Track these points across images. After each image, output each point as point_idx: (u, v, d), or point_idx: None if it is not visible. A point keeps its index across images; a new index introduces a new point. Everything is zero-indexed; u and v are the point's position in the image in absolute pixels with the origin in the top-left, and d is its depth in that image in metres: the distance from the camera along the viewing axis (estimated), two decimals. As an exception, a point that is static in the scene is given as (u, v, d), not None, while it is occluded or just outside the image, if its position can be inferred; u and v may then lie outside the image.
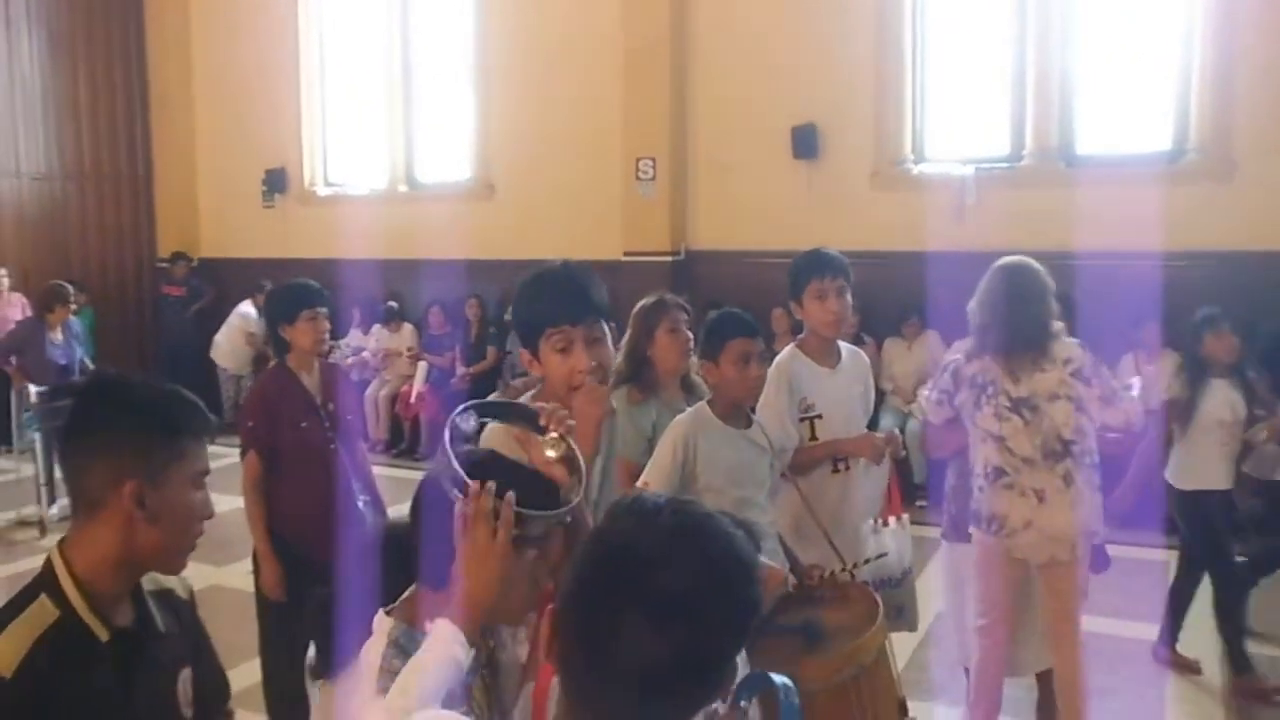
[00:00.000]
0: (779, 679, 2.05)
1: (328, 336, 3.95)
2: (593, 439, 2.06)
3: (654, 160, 8.46)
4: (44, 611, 1.56)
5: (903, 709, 2.81)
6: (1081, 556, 3.61)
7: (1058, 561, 3.59)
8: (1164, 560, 6.06)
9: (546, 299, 2.24)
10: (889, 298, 7.58)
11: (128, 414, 1.63)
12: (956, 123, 7.99)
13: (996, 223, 7.18)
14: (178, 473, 1.63)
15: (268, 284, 9.77)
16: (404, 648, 1.76)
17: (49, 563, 1.61)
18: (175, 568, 1.72)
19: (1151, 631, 5.11)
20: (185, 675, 1.75)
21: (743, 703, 2.04)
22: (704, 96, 8.49)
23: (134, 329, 11.24)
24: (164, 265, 11.08)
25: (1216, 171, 6.96)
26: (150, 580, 1.74)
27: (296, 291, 3.95)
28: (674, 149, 8.51)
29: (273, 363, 4.10)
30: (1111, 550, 6.14)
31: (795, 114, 8.03)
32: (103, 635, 1.59)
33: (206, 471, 1.69)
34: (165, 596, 1.78)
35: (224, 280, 10.74)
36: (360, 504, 3.98)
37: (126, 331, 11.07)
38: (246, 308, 9.92)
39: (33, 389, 7.21)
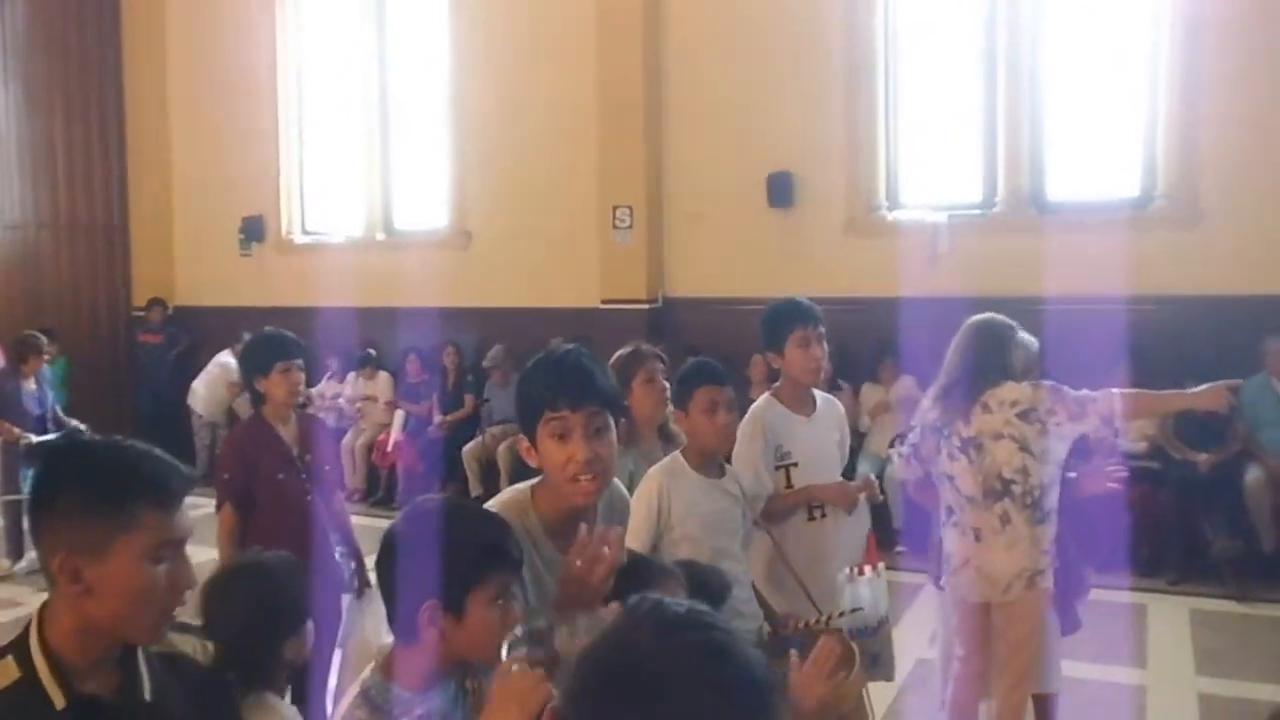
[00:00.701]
0: None
1: (303, 388, 3.94)
2: None
3: (631, 209, 8.52)
4: (4, 672, 1.52)
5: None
6: (1019, 599, 3.65)
7: (997, 601, 3.68)
8: (1143, 604, 6.10)
9: (546, 381, 2.10)
10: (864, 343, 7.63)
11: (73, 483, 1.53)
12: (929, 170, 8.09)
13: (969, 268, 7.26)
14: (126, 545, 1.51)
15: (247, 336, 9.76)
16: (374, 700, 1.76)
17: (27, 625, 1.57)
18: (145, 640, 1.61)
19: (1125, 675, 5.12)
20: None
21: None
22: (680, 145, 8.58)
23: (109, 377, 11.14)
24: (140, 314, 11.03)
25: (1183, 218, 7.07)
26: (163, 643, 1.68)
27: (271, 343, 3.95)
28: (650, 197, 8.57)
29: (249, 414, 4.09)
30: (1091, 595, 6.19)
31: (770, 162, 8.12)
32: (58, 702, 1.51)
33: (173, 541, 1.56)
34: (172, 660, 1.70)
35: (200, 328, 10.70)
36: (337, 555, 3.96)
37: (101, 379, 10.97)
38: (226, 357, 9.86)
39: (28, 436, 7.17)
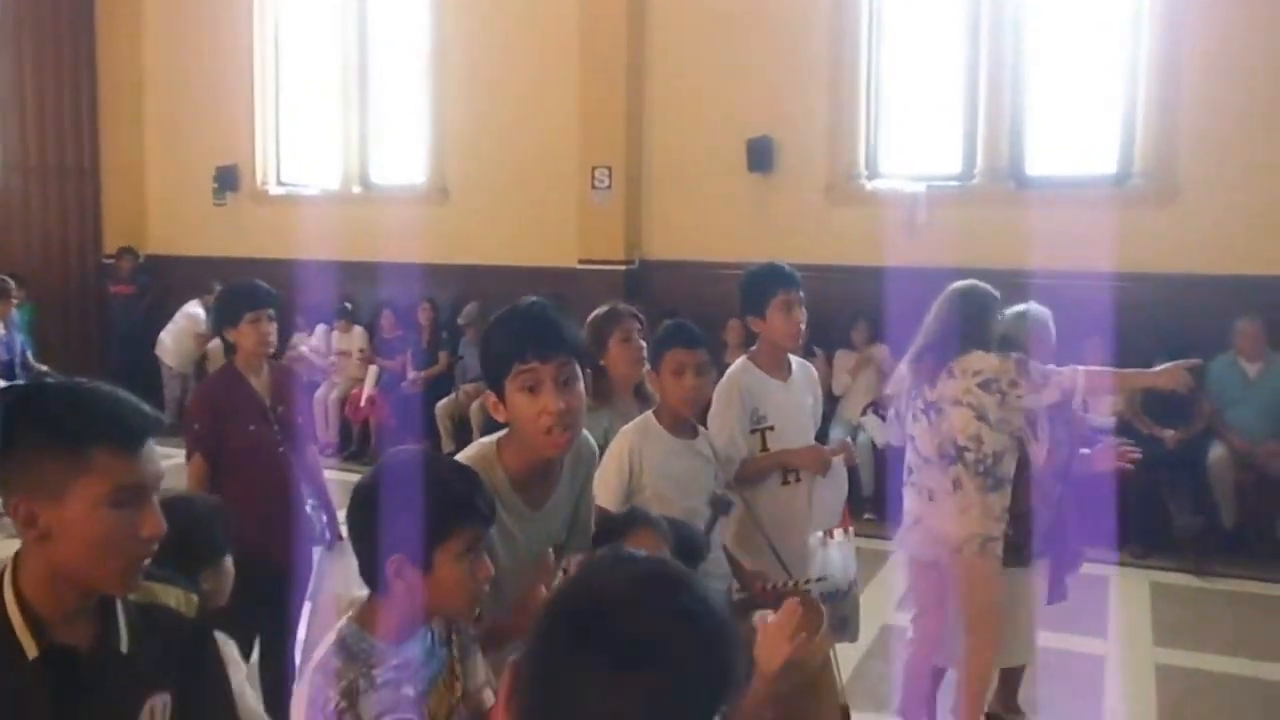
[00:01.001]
0: None
1: (273, 339, 3.90)
2: None
3: (610, 169, 8.47)
4: None
5: (846, 716, 2.83)
6: (971, 564, 3.73)
7: (948, 562, 3.79)
8: (1105, 576, 6.19)
9: (514, 334, 2.08)
10: (840, 311, 7.65)
11: (28, 425, 1.47)
12: (910, 141, 8.09)
13: (948, 240, 7.26)
14: (82, 488, 1.45)
15: (218, 285, 9.67)
16: (350, 649, 1.77)
17: (0, 573, 1.52)
18: (115, 589, 1.54)
19: (1087, 644, 5.20)
20: (156, 703, 1.59)
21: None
22: (660, 107, 8.52)
23: (78, 326, 11.02)
24: (110, 261, 10.89)
25: (1160, 195, 7.11)
26: (143, 592, 1.64)
27: (241, 293, 3.90)
28: (630, 159, 8.52)
29: (221, 365, 4.06)
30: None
31: (751, 127, 8.09)
32: (30, 652, 1.47)
33: (134, 485, 1.49)
34: (153, 612, 1.66)
35: (172, 278, 10.58)
36: (309, 508, 3.94)
37: (70, 328, 10.85)
38: (194, 308, 9.78)
39: None
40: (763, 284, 3.53)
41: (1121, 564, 6.34)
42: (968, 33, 7.77)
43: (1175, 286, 6.94)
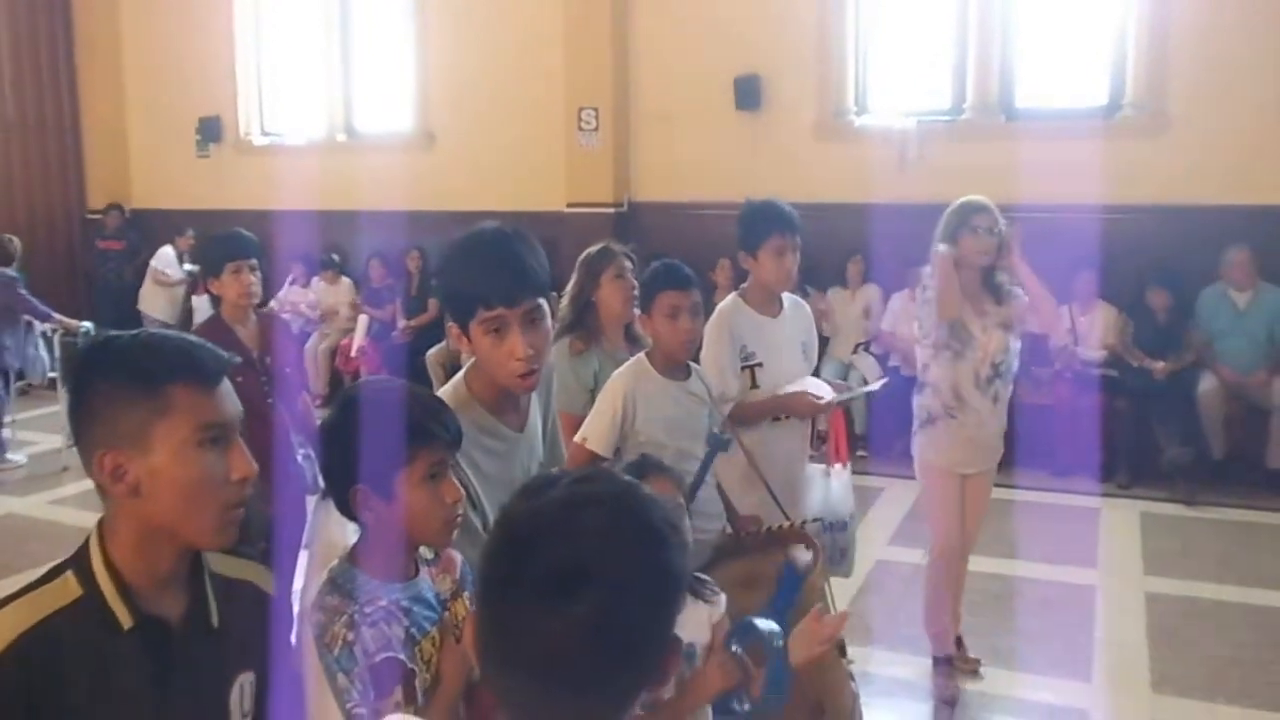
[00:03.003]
0: (765, 625, 2.10)
1: (257, 289, 3.87)
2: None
3: (596, 111, 8.39)
4: (65, 589, 1.40)
5: (842, 650, 2.87)
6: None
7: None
8: (1095, 508, 6.25)
9: (479, 275, 2.01)
10: (832, 249, 7.62)
11: (101, 374, 1.40)
12: (899, 76, 8.00)
13: (938, 174, 7.21)
14: (167, 432, 1.38)
15: (190, 229, 9.60)
16: (341, 586, 1.78)
17: (86, 540, 1.44)
18: (212, 541, 1.46)
19: (1077, 575, 5.26)
20: (244, 680, 1.55)
21: (735, 649, 2.09)
22: (646, 47, 8.41)
23: (65, 284, 10.90)
24: (95, 216, 10.78)
25: (1151, 127, 7.05)
26: (226, 566, 1.56)
27: (222, 243, 3.88)
28: (616, 100, 8.43)
29: (208, 315, 4.05)
30: (1047, 499, 6.37)
31: (738, 65, 7.99)
32: (125, 623, 1.40)
33: (219, 424, 1.43)
34: (239, 587, 1.58)
35: (157, 232, 10.48)
36: (300, 458, 3.94)
37: (57, 286, 10.71)
38: (164, 250, 9.75)
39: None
40: (758, 223, 3.48)
41: (1111, 495, 6.41)
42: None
43: (1165, 217, 6.92)
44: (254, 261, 3.83)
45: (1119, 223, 6.79)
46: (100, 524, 1.45)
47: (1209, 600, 4.99)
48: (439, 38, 9.16)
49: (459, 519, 1.86)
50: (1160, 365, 6.67)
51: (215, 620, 1.50)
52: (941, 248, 3.82)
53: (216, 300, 3.88)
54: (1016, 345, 3.94)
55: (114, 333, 1.50)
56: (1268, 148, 6.74)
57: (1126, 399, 6.75)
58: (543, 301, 2.06)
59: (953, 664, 4.17)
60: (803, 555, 2.08)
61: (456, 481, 1.85)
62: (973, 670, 4.24)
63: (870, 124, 7.88)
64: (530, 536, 1.04)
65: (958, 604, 4.28)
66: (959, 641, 4.29)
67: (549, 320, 2.10)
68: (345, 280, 9.50)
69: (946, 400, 3.91)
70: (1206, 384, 6.60)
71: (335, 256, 9.49)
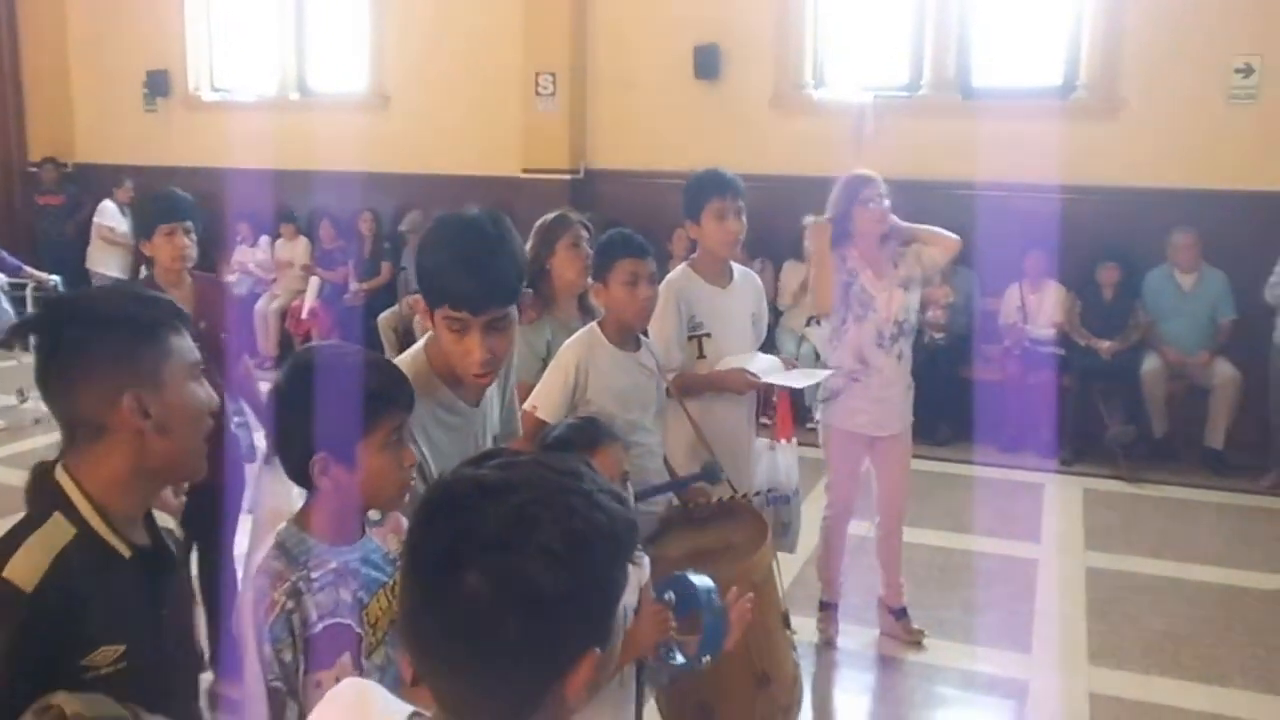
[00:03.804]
0: (700, 581, 2.10)
1: (192, 252, 3.71)
2: None
3: (554, 76, 8.30)
4: (60, 529, 1.52)
5: (786, 622, 2.89)
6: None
7: None
8: (1041, 484, 6.35)
9: (449, 274, 1.98)
10: (788, 221, 7.61)
11: (100, 327, 1.55)
12: (857, 50, 8.00)
13: (895, 150, 7.23)
14: (171, 370, 1.57)
15: (128, 180, 9.38)
16: (289, 550, 1.76)
17: (54, 484, 1.55)
18: (195, 471, 1.64)
19: (1021, 549, 5.35)
20: (199, 612, 1.75)
21: (667, 596, 2.09)
22: (606, 13, 8.33)
23: (4, 238, 10.63)
24: (34, 170, 10.51)
25: (1104, 108, 7.12)
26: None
27: (155, 205, 3.75)
28: (574, 65, 8.35)
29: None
30: (996, 474, 6.47)
31: (698, 33, 7.95)
32: (124, 552, 1.56)
33: (199, 362, 1.63)
34: (168, 535, 1.72)
35: (103, 187, 10.24)
36: (233, 426, 3.86)
37: (-5, 240, 10.50)
38: (105, 204, 9.54)
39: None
40: (698, 190, 3.54)
41: (1056, 471, 6.51)
42: (917, -61, 7.66)
43: (1116, 199, 7.00)
44: (188, 224, 3.68)
45: (1070, 203, 6.86)
46: (65, 466, 1.56)
47: (1147, 575, 5.10)
48: (395, -4, 9.02)
49: (412, 482, 1.87)
50: (1106, 345, 6.77)
51: (174, 554, 1.69)
52: (809, 220, 3.96)
53: (150, 262, 3.75)
54: (915, 301, 4.15)
55: (74, 294, 1.74)
56: (1216, 133, 6.83)
57: (1073, 377, 6.85)
58: (510, 310, 2.06)
59: (837, 610, 4.36)
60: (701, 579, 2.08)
61: (412, 447, 1.87)
62: (916, 641, 4.31)
63: (828, 97, 7.87)
64: (444, 510, 1.02)
65: (897, 574, 4.35)
66: (903, 612, 4.35)
67: (514, 327, 2.11)
68: (303, 239, 9.35)
69: (850, 365, 4.04)
70: (1150, 364, 6.71)
71: (294, 213, 9.34)
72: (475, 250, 1.99)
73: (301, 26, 9.71)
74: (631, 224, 6.04)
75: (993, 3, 7.61)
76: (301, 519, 1.83)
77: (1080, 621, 4.59)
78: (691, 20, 7.96)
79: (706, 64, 7.94)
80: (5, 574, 1.47)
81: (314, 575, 1.75)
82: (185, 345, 1.61)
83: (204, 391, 1.62)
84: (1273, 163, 6.70)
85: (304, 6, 9.68)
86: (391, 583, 1.85)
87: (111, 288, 1.62)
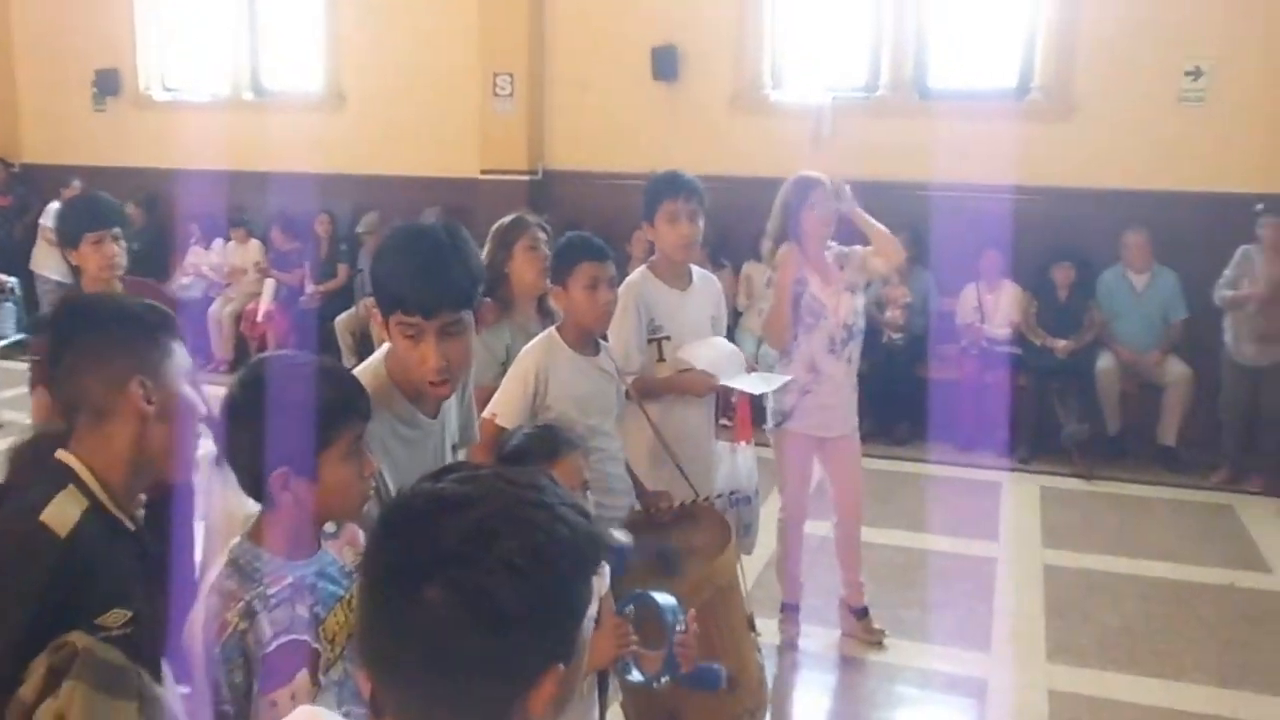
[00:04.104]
0: (663, 600, 2.08)
1: (121, 260, 3.50)
2: None
3: (512, 76, 8.25)
4: (76, 499, 1.69)
5: (750, 624, 2.89)
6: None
7: None
8: (999, 482, 6.41)
9: (402, 277, 1.97)
10: (748, 223, 7.62)
11: (112, 324, 1.78)
12: (815, 51, 8.02)
13: (852, 151, 7.27)
14: (171, 369, 1.79)
15: (76, 180, 9.18)
16: (243, 568, 1.72)
17: (60, 463, 1.73)
18: (183, 468, 1.86)
19: (979, 547, 5.39)
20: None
21: (628, 610, 2.07)
22: (563, 13, 8.29)
23: (-51, 239, 10.44)
24: (-23, 171, 10.28)
25: (1058, 110, 7.19)
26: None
27: (80, 211, 3.54)
28: (532, 66, 8.31)
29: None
30: (953, 473, 6.51)
31: (656, 34, 7.93)
32: (129, 525, 1.76)
33: (192, 368, 1.85)
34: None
35: (51, 188, 10.03)
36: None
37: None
38: (52, 206, 9.33)
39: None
40: (654, 191, 3.52)
41: (1013, 469, 6.57)
42: (874, -58, 7.70)
43: (1070, 200, 7.07)
44: (117, 230, 3.49)
45: (1026, 203, 6.92)
46: (71, 449, 1.74)
47: (1103, 572, 5.15)
48: (351, -5, 8.93)
49: (371, 493, 1.85)
50: (1062, 344, 6.85)
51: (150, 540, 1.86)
52: (782, 250, 3.95)
53: (78, 271, 3.54)
54: (862, 303, 4.19)
55: (88, 296, 2.06)
56: (1167, 135, 6.92)
57: (1029, 376, 6.91)
58: (464, 315, 2.02)
59: (798, 611, 4.36)
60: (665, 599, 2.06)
61: (370, 457, 1.84)
62: (877, 641, 4.32)
63: (786, 98, 7.89)
64: (404, 525, 1.00)
65: (857, 574, 4.37)
66: (865, 612, 4.37)
67: (470, 333, 2.07)
68: (254, 242, 9.22)
69: (803, 377, 4.04)
70: (1104, 362, 6.79)
71: (245, 215, 9.20)
72: (428, 255, 1.98)
73: (255, 23, 9.57)
74: (590, 225, 6.08)
75: (949, 4, 7.67)
76: (255, 534, 1.78)
77: (1038, 619, 4.63)
78: (649, 21, 7.95)
79: (665, 65, 7.93)
80: (43, 518, 1.64)
81: (270, 592, 1.71)
82: (182, 350, 1.83)
83: (197, 395, 1.81)
84: (1222, 164, 6.80)
85: (257, 4, 9.55)
86: (348, 596, 1.81)
87: (119, 297, 2.13)
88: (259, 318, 8.79)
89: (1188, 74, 6.88)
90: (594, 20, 8.18)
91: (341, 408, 1.77)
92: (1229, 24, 6.80)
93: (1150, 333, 6.82)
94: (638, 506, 3.00)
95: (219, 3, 9.61)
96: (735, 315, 7.29)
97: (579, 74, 8.29)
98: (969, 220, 6.92)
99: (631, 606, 2.11)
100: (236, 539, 1.79)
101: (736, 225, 7.37)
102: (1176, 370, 6.71)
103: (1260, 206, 6.43)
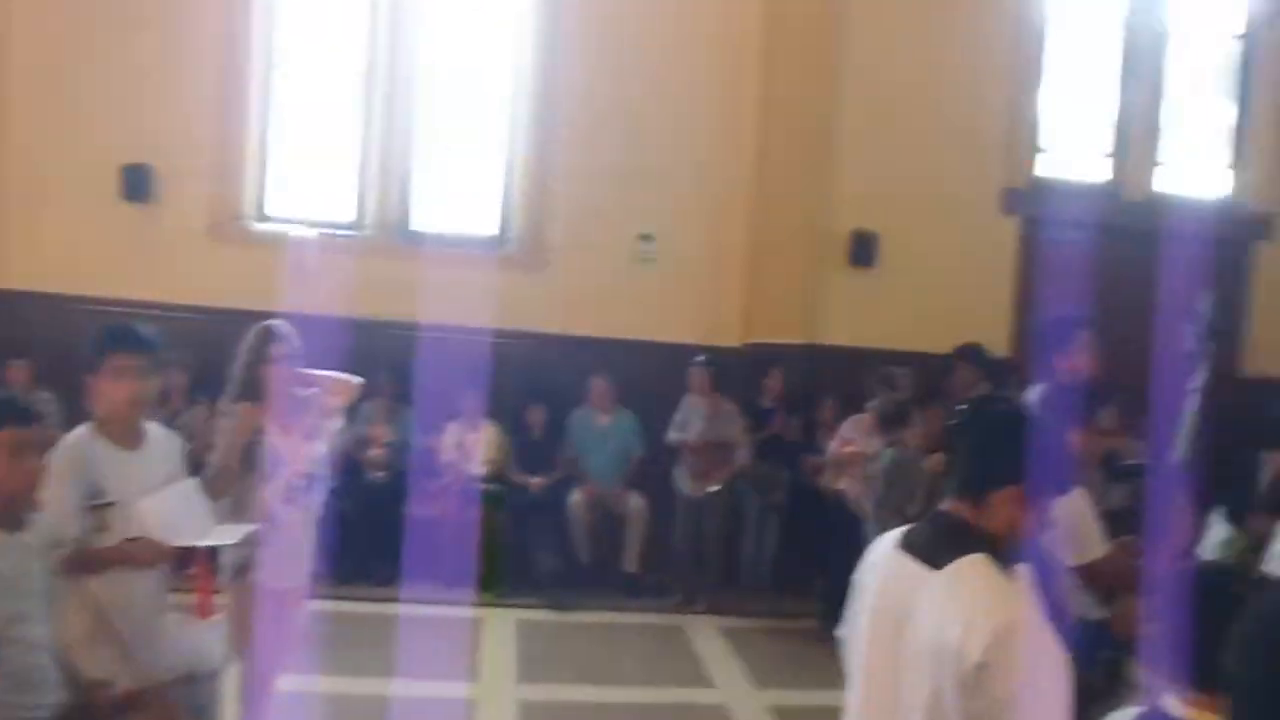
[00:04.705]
0: None
1: None
2: None
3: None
4: None
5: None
6: None
7: None
8: (475, 618, 6.49)
9: None
10: (228, 357, 7.27)
11: None
12: (303, 186, 7.97)
13: (340, 287, 7.22)
14: None
15: None
16: None
17: None
18: None
19: (455, 689, 5.36)
20: None
21: None
22: (19, 124, 7.49)
23: None
24: None
25: (531, 261, 7.78)
26: None
27: None
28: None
29: None
30: (428, 611, 6.48)
31: (127, 152, 7.44)
32: None
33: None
34: None
35: None
36: None
37: None
38: None
39: None
40: (98, 344, 3.21)
41: (492, 605, 6.73)
42: (364, 85, 7.89)
43: (544, 344, 7.62)
44: None
45: (504, 346, 7.29)
46: None
47: (576, 703, 5.41)
48: None
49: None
50: (536, 480, 7.25)
51: None
52: (242, 410, 3.87)
53: None
54: (324, 450, 4.12)
55: None
56: (624, 290, 7.76)
57: (507, 513, 7.20)
58: None
59: None
60: None
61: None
62: None
63: (270, 230, 7.72)
64: None
65: None
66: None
67: None
68: None
69: (261, 529, 3.84)
70: (575, 496, 7.28)
71: None
72: None
73: None
74: (51, 352, 5.46)
75: (435, 152, 8.01)
76: None
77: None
78: (119, 138, 7.44)
79: (136, 185, 7.43)
80: None
81: None
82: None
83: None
84: (669, 318, 7.74)
85: None
86: None
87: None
88: None
89: (641, 237, 7.77)
90: (53, 135, 7.47)
91: None
92: (678, 199, 7.82)
93: (614, 469, 7.45)
94: (72, 699, 2.66)
95: None
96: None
97: (40, 187, 7.50)
98: (451, 360, 7.15)
99: None
100: None
101: (217, 359, 7.01)
102: (635, 502, 7.36)
103: (701, 358, 7.32)
